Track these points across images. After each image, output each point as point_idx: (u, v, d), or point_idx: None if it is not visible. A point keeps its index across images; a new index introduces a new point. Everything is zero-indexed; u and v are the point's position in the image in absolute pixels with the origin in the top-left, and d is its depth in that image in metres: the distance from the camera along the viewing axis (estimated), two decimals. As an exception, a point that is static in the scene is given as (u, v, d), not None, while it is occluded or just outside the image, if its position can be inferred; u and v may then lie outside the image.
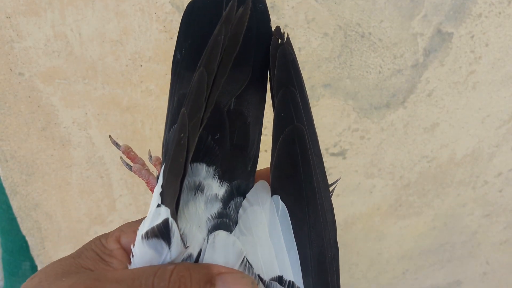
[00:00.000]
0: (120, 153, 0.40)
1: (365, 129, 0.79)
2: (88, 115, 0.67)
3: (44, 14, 0.58)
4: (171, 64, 0.36)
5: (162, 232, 0.29)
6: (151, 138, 0.71)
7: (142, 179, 0.38)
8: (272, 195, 0.33)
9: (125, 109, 0.67)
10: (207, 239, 0.30)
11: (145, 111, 0.68)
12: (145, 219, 0.30)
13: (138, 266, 0.30)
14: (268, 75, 0.35)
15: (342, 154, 0.81)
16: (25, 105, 0.64)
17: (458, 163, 0.89)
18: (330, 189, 0.35)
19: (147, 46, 0.63)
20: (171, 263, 0.29)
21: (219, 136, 0.33)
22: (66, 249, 0.79)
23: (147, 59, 0.64)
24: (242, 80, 0.34)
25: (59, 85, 0.63)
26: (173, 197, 0.29)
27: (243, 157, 0.34)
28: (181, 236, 0.29)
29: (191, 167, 0.32)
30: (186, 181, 0.32)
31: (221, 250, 0.30)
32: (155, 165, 0.40)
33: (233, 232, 0.31)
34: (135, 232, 0.31)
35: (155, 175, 0.38)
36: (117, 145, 0.40)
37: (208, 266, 0.29)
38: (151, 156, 0.41)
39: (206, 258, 0.30)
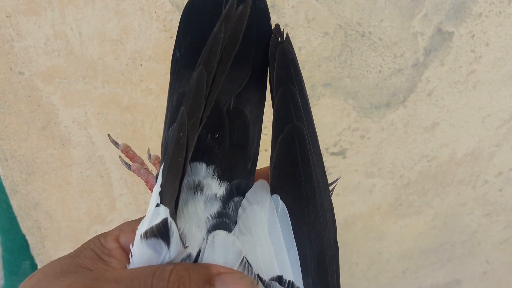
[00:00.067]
0: (119, 152, 0.40)
1: (365, 128, 0.78)
2: (88, 114, 0.66)
3: (44, 13, 0.57)
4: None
5: (161, 232, 0.28)
6: (151, 137, 0.71)
7: (141, 178, 0.38)
8: (271, 194, 0.32)
9: (125, 108, 0.67)
10: (207, 239, 0.30)
11: (145, 110, 0.68)
12: (144, 218, 0.30)
13: (137, 265, 0.29)
14: (268, 73, 0.35)
15: (342, 153, 0.81)
16: (25, 104, 0.64)
17: (458, 163, 0.89)
18: (330, 188, 0.34)
19: (147, 45, 0.62)
20: (170, 263, 0.29)
21: (218, 135, 0.33)
22: (66, 248, 0.79)
23: (147, 58, 0.63)
24: (241, 78, 0.33)
25: (59, 84, 0.63)
26: (172, 196, 0.28)
27: (242, 156, 0.33)
28: (180, 236, 0.29)
29: (190, 167, 0.32)
30: (185, 181, 0.31)
31: (221, 250, 0.30)
32: (154, 164, 0.39)
33: (232, 232, 0.31)
34: (134, 231, 0.30)
35: (154, 174, 0.38)
36: (116, 144, 0.39)
37: (207, 266, 0.29)
38: (150, 155, 0.40)
39: (206, 258, 0.29)
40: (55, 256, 0.78)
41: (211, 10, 0.34)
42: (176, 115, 0.30)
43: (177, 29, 0.35)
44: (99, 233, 0.33)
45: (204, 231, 0.31)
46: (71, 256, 0.31)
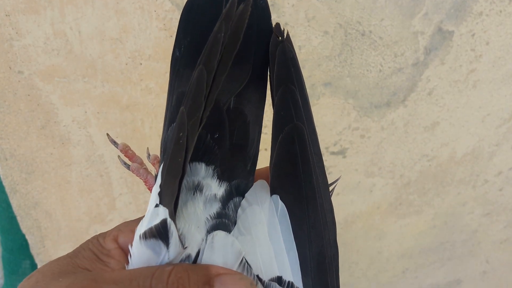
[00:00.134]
0: (118, 152, 0.40)
1: (365, 128, 0.78)
2: (88, 113, 0.66)
3: (44, 12, 0.57)
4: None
5: (160, 233, 0.28)
6: (151, 137, 0.70)
7: (140, 178, 0.38)
8: (271, 195, 0.32)
9: (124, 108, 0.67)
10: (206, 240, 0.30)
11: (145, 110, 0.68)
12: (143, 219, 0.30)
13: (135, 266, 0.29)
14: (268, 72, 0.35)
15: (342, 153, 0.80)
16: (24, 104, 0.63)
17: (459, 162, 0.89)
18: (330, 188, 0.34)
19: (147, 44, 0.62)
20: (169, 264, 0.29)
21: (218, 135, 0.33)
22: (66, 248, 0.79)
23: (147, 57, 0.63)
24: (242, 78, 0.33)
25: (59, 84, 0.63)
26: (171, 197, 0.28)
27: (242, 156, 0.33)
28: (179, 236, 0.29)
29: (190, 167, 0.32)
30: (184, 181, 0.31)
31: (220, 251, 0.30)
32: (153, 164, 0.39)
33: (232, 232, 0.31)
34: (133, 231, 0.30)
35: (154, 174, 0.38)
36: (115, 143, 0.39)
37: (207, 267, 0.29)
38: (149, 155, 0.40)
39: (205, 259, 0.29)
40: (55, 256, 0.78)
41: (211, 8, 0.34)
42: (175, 115, 0.30)
43: (177, 27, 0.35)
44: (99, 232, 0.33)
45: (204, 231, 0.30)
46: (69, 256, 0.30)
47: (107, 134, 0.40)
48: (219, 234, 0.30)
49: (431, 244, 1.03)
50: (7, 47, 0.59)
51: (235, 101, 0.33)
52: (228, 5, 0.29)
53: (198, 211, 0.31)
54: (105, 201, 0.76)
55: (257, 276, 0.30)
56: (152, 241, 0.28)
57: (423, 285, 1.12)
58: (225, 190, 0.32)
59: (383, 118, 0.78)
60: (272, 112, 0.33)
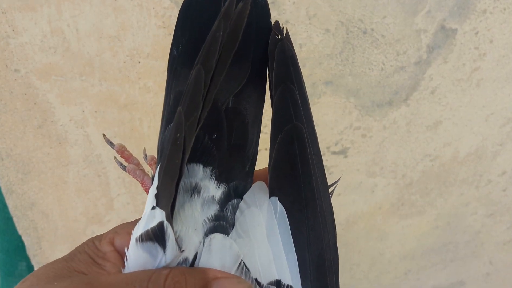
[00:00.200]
0: (115, 153, 0.39)
1: (367, 127, 0.78)
2: (85, 112, 0.66)
3: (41, 9, 0.57)
4: (168, 61, 0.35)
5: (156, 236, 0.28)
6: (149, 136, 0.70)
7: (137, 180, 0.38)
8: (270, 197, 0.32)
9: (123, 107, 0.67)
10: (203, 242, 0.30)
11: (143, 109, 0.68)
12: (140, 221, 0.30)
13: (132, 270, 0.29)
14: (267, 71, 0.34)
15: (343, 152, 0.80)
16: (21, 102, 0.63)
17: (462, 162, 0.89)
18: (330, 190, 0.34)
19: (146, 42, 0.62)
20: (166, 267, 0.28)
21: (216, 135, 0.32)
22: (62, 249, 0.79)
23: (146, 56, 0.63)
24: (240, 77, 0.33)
25: (56, 82, 0.63)
26: (168, 199, 0.28)
27: (241, 157, 0.33)
28: (176, 239, 0.28)
29: (187, 168, 0.32)
30: (182, 183, 0.31)
31: (218, 254, 0.29)
32: (150, 165, 0.39)
33: (230, 235, 0.31)
34: (129, 234, 0.30)
35: (150, 176, 0.38)
36: (111, 144, 0.39)
37: (204, 271, 0.28)
38: (146, 156, 0.40)
39: (202, 262, 0.29)
40: (51, 257, 0.78)
41: (210, 6, 0.34)
42: (173, 115, 0.30)
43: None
44: (97, 233, 0.33)
45: (201, 234, 0.30)
46: (64, 259, 0.30)
47: (103, 135, 0.40)
48: (217, 236, 0.30)
49: (433, 245, 1.03)
50: (3, 45, 0.58)
51: (233, 101, 0.33)
52: (227, 3, 0.29)
53: (196, 213, 0.31)
54: (102, 202, 0.76)
55: (256, 279, 0.30)
56: (149, 244, 0.28)
57: (425, 287, 1.12)
58: (223, 192, 0.32)
59: (385, 117, 0.78)
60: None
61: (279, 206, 0.31)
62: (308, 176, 0.31)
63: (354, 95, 0.74)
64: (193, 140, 0.28)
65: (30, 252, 0.79)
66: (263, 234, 0.31)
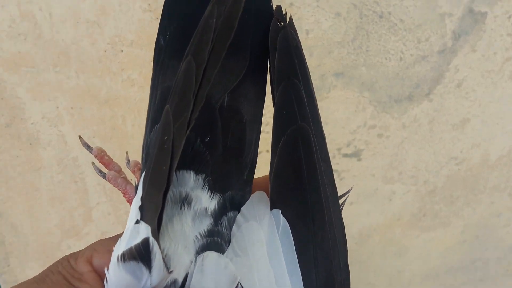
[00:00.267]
0: (93, 157, 0.39)
1: (383, 125, 0.78)
2: (60, 109, 0.66)
3: (8, -10, 0.57)
4: (154, 51, 0.35)
5: (141, 254, 0.28)
6: (133, 136, 0.70)
7: (118, 189, 0.38)
8: (271, 209, 0.32)
9: (103, 102, 0.67)
10: (195, 262, 0.30)
11: (127, 104, 0.68)
12: (122, 237, 0.30)
13: None
14: (268, 64, 0.34)
15: (356, 155, 0.80)
16: (-15, 98, 0.63)
17: (492, 166, 0.89)
18: (341, 201, 0.34)
19: (129, 28, 0.62)
20: None
21: (210, 138, 0.32)
22: (34, 267, 0.79)
23: (129, 43, 0.63)
24: (237, 71, 0.33)
25: (26, 74, 0.63)
26: (154, 212, 0.28)
27: (238, 163, 0.33)
28: (163, 258, 0.28)
29: (176, 176, 0.32)
30: (170, 193, 0.31)
31: (211, 275, 0.29)
32: (133, 172, 0.39)
33: (225, 253, 0.31)
34: (109, 252, 0.30)
35: (134, 184, 0.38)
36: (88, 147, 0.39)
37: None
38: (129, 161, 0.40)
39: (194, 284, 0.29)
40: (21, 276, 0.78)
41: None
42: (159, 115, 0.30)
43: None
44: (73, 248, 0.33)
45: (192, 252, 0.30)
46: (35, 281, 0.30)
47: (80, 137, 0.40)
48: (211, 255, 0.30)
49: (460, 262, 1.03)
50: (-35, 32, 0.59)
51: (229, 98, 0.33)
52: None
53: (186, 228, 0.31)
54: (80, 212, 0.76)
55: None
56: (132, 264, 0.28)
57: (450, 308, 1.12)
58: (217, 203, 0.32)
59: (404, 114, 0.78)
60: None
61: (282, 220, 0.31)
62: (315, 186, 0.31)
63: (369, 88, 0.74)
64: (183, 143, 0.28)
65: (-4, 269, 0.79)
66: (264, 252, 0.31)
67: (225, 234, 0.31)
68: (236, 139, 0.33)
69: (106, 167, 0.39)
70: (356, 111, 0.76)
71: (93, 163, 0.41)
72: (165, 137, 0.27)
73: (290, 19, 0.34)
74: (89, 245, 0.33)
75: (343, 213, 0.34)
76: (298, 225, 0.31)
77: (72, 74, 0.64)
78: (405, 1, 0.67)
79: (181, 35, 0.34)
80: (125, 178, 0.38)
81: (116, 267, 0.29)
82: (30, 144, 0.68)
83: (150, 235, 0.28)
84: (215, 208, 0.32)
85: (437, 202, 0.91)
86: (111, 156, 0.40)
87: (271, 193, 0.32)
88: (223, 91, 0.33)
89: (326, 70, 0.71)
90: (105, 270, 0.29)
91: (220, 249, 0.31)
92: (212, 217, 0.32)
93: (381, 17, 0.68)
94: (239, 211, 0.32)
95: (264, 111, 0.35)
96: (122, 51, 0.64)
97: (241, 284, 0.30)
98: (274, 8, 0.35)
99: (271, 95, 0.34)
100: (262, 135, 0.35)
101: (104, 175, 0.39)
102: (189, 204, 0.32)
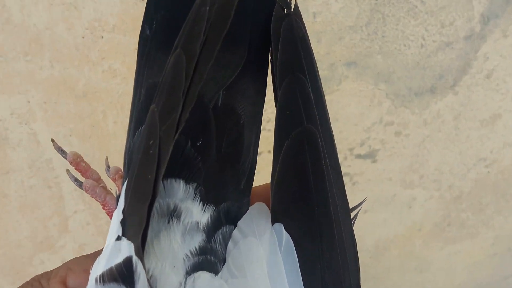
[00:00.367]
0: (68, 164, 0.39)
1: (402, 122, 0.78)
2: (32, 103, 0.66)
3: (-29, -31, 0.57)
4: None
5: (123, 275, 0.28)
6: (115, 134, 0.70)
7: (97, 200, 0.38)
8: (273, 223, 0.32)
9: (81, 96, 0.67)
10: (185, 284, 0.30)
11: (108, 99, 0.68)
12: (101, 255, 0.30)
13: None
14: (270, 57, 0.34)
15: (371, 156, 0.80)
16: None
17: (527, 168, 0.89)
18: (352, 214, 0.34)
19: (110, 11, 0.62)
20: None
21: (202, 141, 0.32)
22: (2, 285, 0.79)
23: (110, 29, 0.63)
24: (234, 65, 0.33)
25: (-8, 64, 0.63)
26: (138, 226, 0.28)
27: (234, 170, 0.33)
28: (148, 280, 0.28)
29: (163, 185, 0.32)
30: (156, 205, 0.31)
31: None
32: (114, 180, 0.39)
33: (219, 274, 0.31)
34: (86, 271, 0.30)
35: (115, 194, 0.38)
36: (62, 152, 0.39)
37: None
38: (109, 167, 0.40)
39: None
40: (-13, 294, 0.78)
41: None
42: (144, 115, 0.30)
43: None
44: (46, 262, 0.33)
45: (182, 273, 0.30)
46: None
47: (52, 140, 0.40)
48: (203, 276, 0.30)
49: (490, 278, 1.03)
50: None
51: (225, 96, 0.33)
52: None
53: (175, 245, 0.31)
54: (54, 221, 0.76)
55: None
56: (113, 286, 0.28)
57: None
58: (210, 216, 0.32)
59: (426, 109, 0.78)
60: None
61: (285, 235, 0.31)
62: (323, 197, 0.31)
63: (385, 80, 0.74)
64: (171, 148, 0.28)
65: (-41, 287, 0.79)
66: (264, 272, 0.31)
67: (219, 252, 0.32)
68: (232, 143, 0.33)
69: (82, 175, 0.39)
70: (370, 106, 0.76)
71: (68, 170, 0.41)
72: (151, 141, 0.27)
73: (296, 5, 0.34)
74: (63, 264, 0.33)
75: (355, 223, 0.34)
76: (303, 242, 0.31)
77: (46, 64, 0.64)
78: (427, -20, 0.67)
79: (169, 24, 0.34)
80: (104, 187, 0.38)
81: None
82: (-2, 144, 0.69)
83: (133, 253, 0.28)
84: (208, 222, 0.32)
85: (463, 209, 0.91)
86: (90, 157, 0.40)
87: (273, 204, 0.32)
88: (217, 88, 0.33)
89: (336, 58, 0.71)
90: None
91: (214, 269, 0.31)
92: (205, 233, 0.32)
93: (399, -2, 0.68)
94: (235, 226, 0.32)
95: (265, 106, 0.35)
96: (102, 37, 0.64)
97: None
98: None
99: (272, 91, 0.35)
100: (263, 133, 0.35)
101: (80, 184, 0.39)
102: (178, 217, 0.32)
